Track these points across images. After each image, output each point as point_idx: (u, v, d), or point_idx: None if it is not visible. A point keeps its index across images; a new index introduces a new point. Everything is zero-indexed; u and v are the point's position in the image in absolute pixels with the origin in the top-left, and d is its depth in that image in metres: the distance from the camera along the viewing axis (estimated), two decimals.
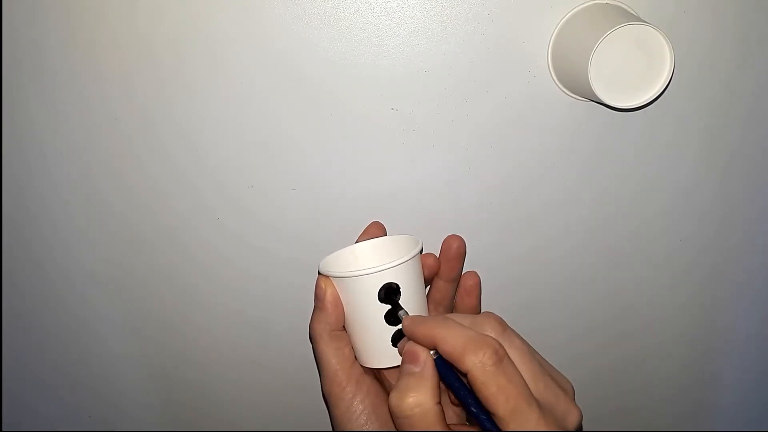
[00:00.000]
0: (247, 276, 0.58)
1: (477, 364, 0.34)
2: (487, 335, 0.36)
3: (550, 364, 0.39)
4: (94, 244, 0.57)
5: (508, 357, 0.35)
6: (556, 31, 0.49)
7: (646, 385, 0.65)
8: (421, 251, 0.46)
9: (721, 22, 0.50)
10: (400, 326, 0.41)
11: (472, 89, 0.51)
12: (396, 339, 0.42)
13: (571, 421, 0.36)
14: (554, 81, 0.51)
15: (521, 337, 0.38)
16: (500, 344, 0.35)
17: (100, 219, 0.56)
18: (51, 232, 0.57)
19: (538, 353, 0.39)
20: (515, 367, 0.35)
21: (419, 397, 0.35)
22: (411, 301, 0.43)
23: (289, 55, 0.50)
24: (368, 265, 0.43)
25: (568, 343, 0.61)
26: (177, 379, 0.63)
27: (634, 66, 0.44)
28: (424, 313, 0.44)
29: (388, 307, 0.42)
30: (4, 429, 0.65)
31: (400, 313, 0.42)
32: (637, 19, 0.46)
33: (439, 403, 0.36)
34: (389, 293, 0.42)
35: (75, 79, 0.51)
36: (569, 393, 0.38)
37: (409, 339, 0.39)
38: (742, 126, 0.54)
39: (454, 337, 0.35)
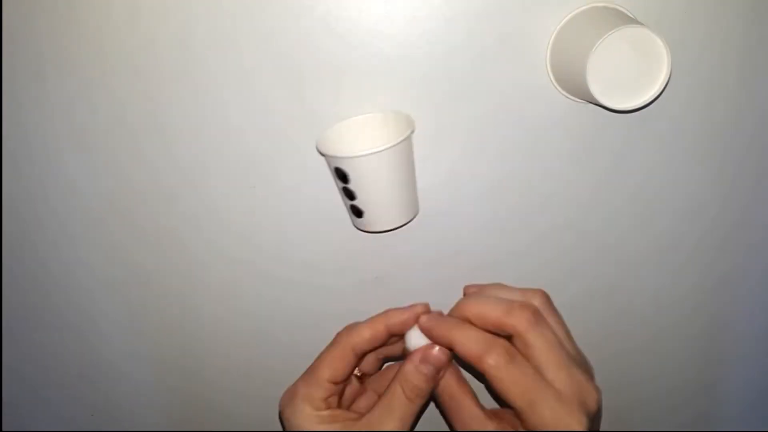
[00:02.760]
0: (250, 275, 0.58)
1: (492, 365, 0.37)
2: (497, 338, 0.38)
3: (576, 347, 0.41)
4: (96, 244, 0.57)
5: (521, 354, 0.38)
6: (554, 33, 0.49)
7: (643, 383, 0.65)
8: (408, 137, 0.48)
9: (718, 24, 0.51)
10: (353, 202, 0.49)
11: (472, 90, 0.52)
12: (353, 211, 0.51)
13: (593, 403, 0.37)
14: (553, 83, 0.51)
15: (555, 322, 0.41)
16: (510, 345, 0.38)
17: (102, 219, 0.56)
18: (53, 231, 0.57)
19: (567, 337, 0.41)
20: (527, 362, 0.37)
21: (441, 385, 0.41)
22: (365, 193, 0.49)
23: (291, 56, 0.50)
24: (362, 139, 0.51)
25: None
26: (180, 379, 0.63)
27: (632, 68, 0.45)
28: (379, 208, 0.49)
29: (344, 184, 0.49)
30: (4, 429, 0.65)
31: (354, 202, 0.50)
32: (635, 21, 0.46)
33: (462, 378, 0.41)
34: (340, 175, 0.48)
35: (79, 80, 0.51)
36: (591, 375, 0.40)
37: (427, 336, 0.41)
38: (740, 127, 0.54)
39: (469, 341, 0.38)
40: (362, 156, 0.46)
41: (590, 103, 0.52)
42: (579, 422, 0.35)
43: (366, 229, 0.52)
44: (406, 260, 0.58)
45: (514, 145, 0.54)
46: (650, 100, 0.46)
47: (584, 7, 0.49)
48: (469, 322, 0.40)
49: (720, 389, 0.66)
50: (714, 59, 0.52)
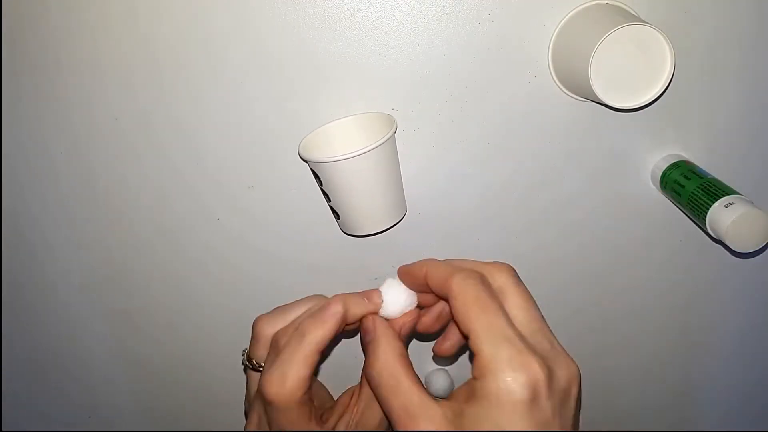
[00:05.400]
0: (247, 276, 0.58)
1: (460, 282, 0.33)
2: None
3: (541, 329, 0.35)
4: (94, 245, 0.57)
5: (494, 290, 0.33)
6: (556, 31, 0.49)
7: (646, 384, 0.65)
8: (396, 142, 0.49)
9: (721, 22, 0.50)
10: (330, 203, 0.49)
11: (473, 89, 0.51)
12: (333, 212, 0.51)
13: (564, 374, 0.31)
14: (554, 81, 0.51)
15: (517, 298, 0.35)
16: (485, 276, 0.34)
17: (98, 220, 0.56)
18: (50, 232, 0.57)
19: (528, 316, 0.34)
20: (499, 299, 0.33)
21: (378, 365, 0.34)
22: (337, 197, 0.48)
23: (290, 56, 0.50)
24: (343, 143, 0.51)
25: (568, 343, 0.61)
26: (175, 380, 0.63)
27: (635, 66, 0.44)
28: (352, 212, 0.49)
29: (320, 186, 0.49)
30: (4, 429, 0.65)
31: (330, 204, 0.50)
32: (638, 19, 0.46)
33: (403, 356, 0.34)
34: (316, 178, 0.49)
35: (75, 80, 0.51)
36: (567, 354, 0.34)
37: (401, 278, 0.39)
38: (742, 126, 0.54)
39: (443, 267, 0.35)
40: (330, 161, 0.46)
41: (593, 101, 0.51)
42: (540, 369, 0.29)
43: (346, 232, 0.52)
44: (406, 261, 0.57)
45: (516, 144, 0.53)
46: (653, 98, 0.45)
47: (587, 5, 0.48)
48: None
49: (700, 391, 0.66)
50: (717, 57, 0.51)
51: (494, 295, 0.33)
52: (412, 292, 0.39)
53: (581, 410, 0.33)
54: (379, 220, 0.50)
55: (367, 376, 0.34)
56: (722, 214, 0.46)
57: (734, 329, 0.63)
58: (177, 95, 0.51)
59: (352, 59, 0.50)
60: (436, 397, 0.32)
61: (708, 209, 0.47)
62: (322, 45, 0.50)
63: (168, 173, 0.54)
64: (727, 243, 0.46)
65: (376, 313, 0.38)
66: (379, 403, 0.34)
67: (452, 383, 0.61)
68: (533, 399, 0.29)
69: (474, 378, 0.30)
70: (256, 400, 0.39)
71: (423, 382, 0.62)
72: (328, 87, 0.51)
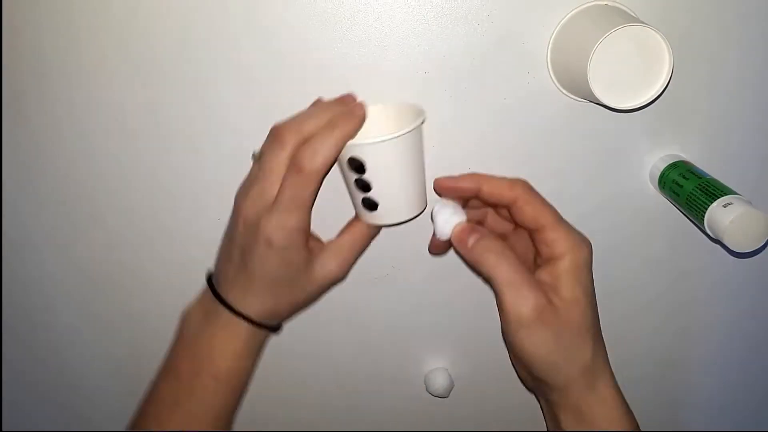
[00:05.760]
0: None
1: (528, 191, 0.46)
2: None
3: None
4: (92, 243, 0.57)
5: None
6: (555, 32, 0.49)
7: (644, 385, 0.65)
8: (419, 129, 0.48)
9: (720, 22, 0.50)
10: (367, 194, 0.48)
11: (472, 90, 0.51)
12: (366, 204, 0.49)
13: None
14: (553, 82, 0.51)
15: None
16: None
17: (99, 218, 0.56)
18: (48, 231, 0.57)
19: None
20: None
21: (479, 258, 0.45)
22: (382, 182, 0.47)
23: (290, 57, 0.50)
24: (370, 131, 0.48)
25: None
26: None
27: (633, 67, 0.45)
28: (395, 199, 0.49)
29: (359, 175, 0.47)
30: (4, 429, 0.65)
31: (368, 194, 0.48)
32: (636, 20, 0.46)
33: (502, 245, 0.45)
34: (355, 166, 0.47)
35: (74, 79, 0.51)
36: None
37: (446, 193, 0.48)
38: (741, 126, 0.54)
39: (495, 179, 0.47)
40: (381, 142, 0.45)
41: (591, 102, 0.51)
42: (589, 246, 0.46)
43: (378, 223, 0.51)
44: (406, 261, 0.58)
45: (515, 145, 0.54)
46: (652, 98, 0.45)
47: (585, 6, 0.48)
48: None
49: (699, 391, 0.66)
50: (717, 57, 0.51)
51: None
52: (462, 209, 0.47)
53: None
54: (420, 201, 0.50)
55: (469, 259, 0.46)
56: (720, 214, 0.46)
57: (733, 329, 0.63)
58: (177, 95, 0.51)
59: (352, 60, 0.50)
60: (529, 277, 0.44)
61: (706, 209, 0.47)
62: (322, 45, 0.50)
63: (168, 173, 0.54)
64: (726, 243, 0.46)
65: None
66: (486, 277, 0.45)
67: (452, 382, 0.62)
68: (592, 261, 0.46)
69: (553, 259, 0.45)
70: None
71: (423, 381, 0.62)
72: (327, 87, 0.51)
